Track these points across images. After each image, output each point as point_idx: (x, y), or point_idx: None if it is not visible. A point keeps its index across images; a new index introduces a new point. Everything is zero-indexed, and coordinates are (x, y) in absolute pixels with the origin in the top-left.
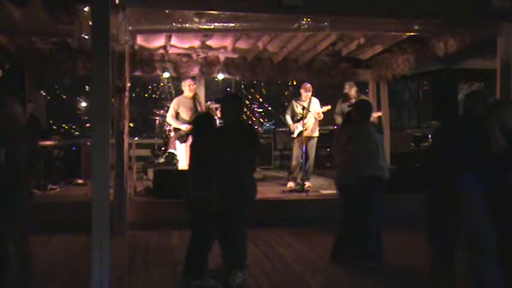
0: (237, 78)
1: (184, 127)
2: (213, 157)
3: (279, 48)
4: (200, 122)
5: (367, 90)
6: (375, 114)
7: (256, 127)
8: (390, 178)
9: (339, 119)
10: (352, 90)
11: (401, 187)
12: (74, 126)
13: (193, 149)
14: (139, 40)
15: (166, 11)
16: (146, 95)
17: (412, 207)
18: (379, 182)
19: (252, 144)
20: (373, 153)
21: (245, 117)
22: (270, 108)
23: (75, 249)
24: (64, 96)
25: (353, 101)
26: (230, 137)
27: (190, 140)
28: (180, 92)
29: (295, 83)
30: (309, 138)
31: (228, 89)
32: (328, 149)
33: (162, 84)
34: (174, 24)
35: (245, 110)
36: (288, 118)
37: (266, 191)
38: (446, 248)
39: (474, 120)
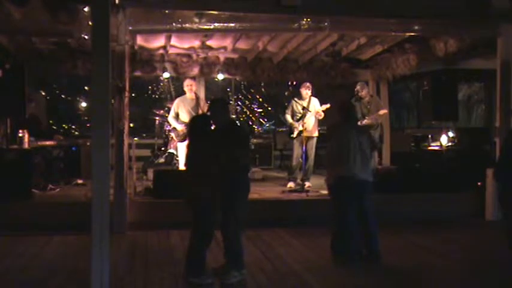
0: (237, 78)
1: (179, 127)
2: (207, 157)
3: (279, 48)
4: (195, 123)
5: None
6: (381, 112)
7: (253, 125)
8: (389, 178)
9: None
10: (363, 91)
11: (401, 187)
12: (74, 126)
13: (189, 149)
14: (139, 40)
15: (166, 11)
16: (146, 95)
17: (412, 208)
18: (352, 182)
19: (243, 145)
20: (341, 154)
21: (244, 117)
22: (270, 108)
23: (75, 249)
24: (64, 96)
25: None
26: (222, 138)
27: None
28: (180, 92)
29: (295, 83)
30: (309, 138)
31: (228, 89)
32: None
33: (162, 84)
34: (174, 24)
35: (245, 110)
36: (288, 117)
37: (266, 191)
38: None
39: None
